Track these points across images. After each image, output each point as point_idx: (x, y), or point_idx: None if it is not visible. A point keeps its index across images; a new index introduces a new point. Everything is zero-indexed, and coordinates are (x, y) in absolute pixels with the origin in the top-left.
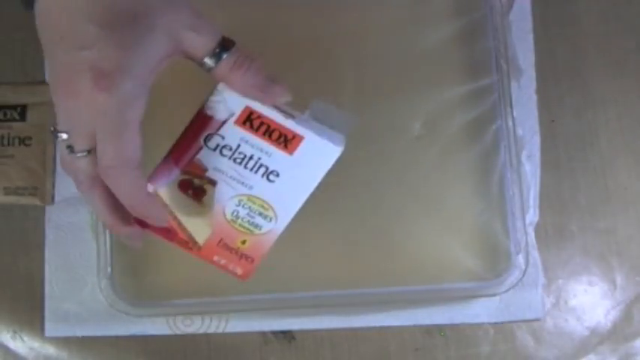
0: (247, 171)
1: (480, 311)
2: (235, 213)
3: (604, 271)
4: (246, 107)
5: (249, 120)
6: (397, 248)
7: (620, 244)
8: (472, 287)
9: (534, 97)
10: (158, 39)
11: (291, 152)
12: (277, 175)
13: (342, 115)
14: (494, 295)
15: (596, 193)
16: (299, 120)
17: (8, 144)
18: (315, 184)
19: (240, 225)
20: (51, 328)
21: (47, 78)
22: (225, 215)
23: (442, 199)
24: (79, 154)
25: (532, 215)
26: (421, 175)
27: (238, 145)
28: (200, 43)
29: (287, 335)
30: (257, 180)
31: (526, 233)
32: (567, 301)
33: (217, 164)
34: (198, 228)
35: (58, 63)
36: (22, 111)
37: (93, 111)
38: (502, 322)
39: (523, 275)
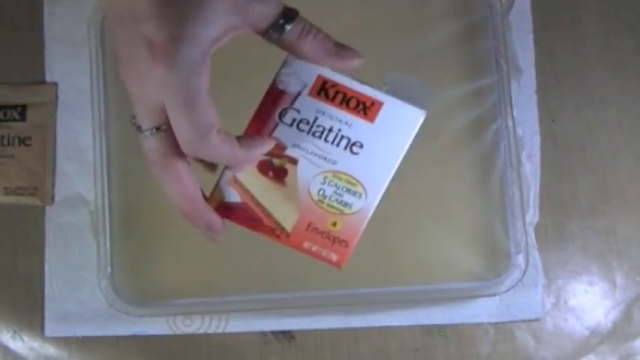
0: (328, 145)
1: (480, 311)
2: (322, 192)
3: (604, 271)
4: (319, 76)
5: (324, 90)
6: (397, 248)
7: (620, 244)
8: (472, 287)
9: (534, 97)
10: (222, 10)
11: (372, 120)
12: (361, 146)
13: (420, 85)
14: (494, 295)
15: (596, 193)
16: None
17: (8, 144)
18: (402, 153)
19: (328, 205)
20: (51, 328)
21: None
22: (311, 195)
23: (442, 198)
24: (146, 133)
25: (532, 215)
26: (421, 174)
27: (316, 118)
28: (266, 13)
29: (287, 335)
30: (340, 153)
31: (526, 233)
32: (567, 301)
33: (296, 140)
34: (283, 213)
35: (119, 42)
36: (22, 111)
37: (155, 86)
38: (502, 322)
39: (523, 275)
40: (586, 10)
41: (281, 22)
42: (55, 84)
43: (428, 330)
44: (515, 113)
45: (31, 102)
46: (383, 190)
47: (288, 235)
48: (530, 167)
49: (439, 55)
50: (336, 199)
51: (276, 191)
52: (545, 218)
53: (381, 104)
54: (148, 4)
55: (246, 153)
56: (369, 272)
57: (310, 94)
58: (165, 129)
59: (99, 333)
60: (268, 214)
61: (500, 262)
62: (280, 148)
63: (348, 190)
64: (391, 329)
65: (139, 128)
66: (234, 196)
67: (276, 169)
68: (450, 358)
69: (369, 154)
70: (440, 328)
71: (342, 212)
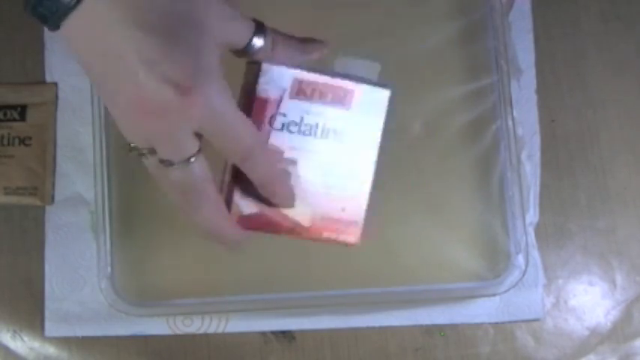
0: (318, 139)
1: (479, 311)
2: (324, 183)
3: (604, 271)
4: (295, 79)
5: (302, 90)
6: (397, 248)
7: (620, 244)
8: (472, 287)
9: (534, 97)
10: (213, 34)
11: (347, 107)
12: (345, 134)
13: (365, 63)
14: (494, 295)
15: (596, 192)
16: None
17: (8, 144)
18: (379, 129)
19: (333, 193)
20: (51, 328)
21: (102, 94)
22: (316, 188)
23: (442, 198)
24: (177, 166)
25: (532, 215)
26: (421, 174)
27: (301, 118)
28: (242, 31)
29: (287, 335)
30: (330, 145)
31: (526, 233)
32: (567, 301)
33: (290, 142)
34: (298, 212)
35: (122, 84)
36: (22, 111)
37: (190, 119)
38: (502, 322)
39: (523, 275)
40: (586, 10)
41: (255, 39)
42: (55, 84)
43: (428, 330)
44: (515, 113)
45: (31, 102)
46: (374, 167)
47: (307, 229)
48: (530, 167)
49: (439, 55)
50: (339, 186)
51: None
52: (545, 218)
53: (352, 91)
54: (156, 43)
55: (285, 179)
56: (369, 272)
57: (291, 96)
58: (197, 157)
59: (99, 333)
60: (284, 216)
61: (500, 262)
62: (279, 152)
63: (346, 175)
64: (391, 329)
65: (165, 162)
66: (250, 208)
67: None
68: (450, 358)
69: (355, 138)
70: (440, 328)
71: (346, 196)
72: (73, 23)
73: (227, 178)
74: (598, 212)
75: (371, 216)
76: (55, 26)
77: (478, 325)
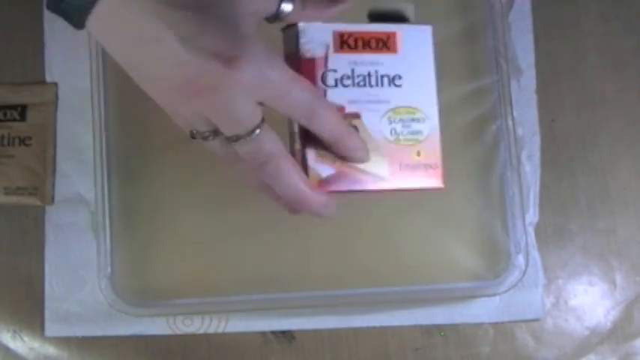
0: (375, 88)
1: (479, 311)
2: (393, 131)
3: (604, 271)
4: (335, 32)
5: (345, 42)
6: (397, 248)
7: (620, 244)
8: (472, 287)
9: (534, 97)
10: (242, 4)
11: (395, 51)
12: (400, 77)
13: (398, 5)
14: (494, 295)
15: (596, 192)
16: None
17: (8, 144)
18: (432, 67)
19: (404, 139)
20: (51, 328)
21: (146, 88)
22: (387, 138)
23: (442, 198)
24: (242, 140)
25: (532, 215)
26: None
27: (352, 70)
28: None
29: (287, 335)
30: (388, 91)
31: (526, 233)
32: (567, 301)
33: (348, 96)
34: (374, 164)
35: (165, 67)
36: (22, 111)
37: (244, 90)
38: (502, 322)
39: (523, 275)
40: (586, 10)
41: (283, 4)
42: (55, 84)
43: (428, 330)
44: (515, 113)
45: (31, 102)
46: (437, 105)
47: (388, 180)
48: (530, 167)
49: (439, 55)
50: (408, 132)
51: None
52: (545, 218)
53: (395, 34)
54: (191, 17)
55: (354, 134)
56: (369, 272)
57: (336, 50)
58: (262, 126)
59: (99, 333)
60: (363, 171)
61: (500, 262)
62: (339, 109)
63: (413, 119)
64: (391, 329)
65: (231, 139)
66: (327, 170)
67: None
68: (450, 358)
69: (410, 80)
70: (440, 328)
71: (418, 141)
72: (98, 16)
73: (297, 146)
74: (598, 212)
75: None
76: (80, 24)
77: (478, 325)
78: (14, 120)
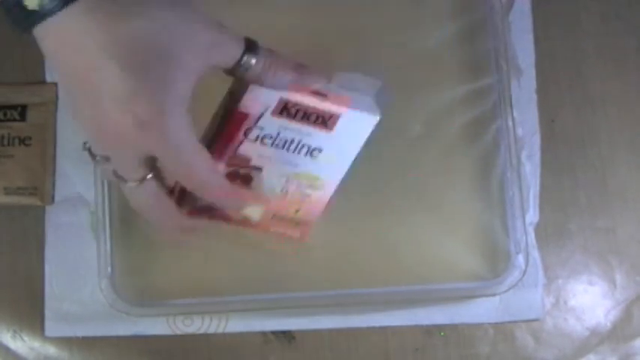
0: (290, 153)
1: (479, 311)
2: (285, 189)
3: (604, 271)
4: (280, 99)
5: (286, 109)
6: (397, 248)
7: (620, 244)
8: (472, 287)
9: (534, 97)
10: (188, 67)
11: (330, 129)
12: (320, 151)
13: (365, 79)
14: (494, 295)
15: (596, 192)
16: (330, 94)
17: (8, 144)
18: (357, 151)
19: (291, 197)
20: (51, 328)
21: (72, 112)
22: (275, 193)
23: (442, 199)
24: (131, 184)
25: (532, 215)
26: (421, 174)
27: (278, 133)
28: (227, 56)
29: (287, 335)
30: (301, 159)
31: (526, 233)
32: (567, 301)
33: (260, 152)
34: (251, 209)
35: (87, 101)
36: (22, 111)
37: (147, 150)
38: (502, 322)
39: (523, 275)
40: (586, 10)
41: (245, 58)
42: (55, 84)
43: (428, 330)
44: (515, 113)
45: (31, 102)
46: (339, 180)
47: (256, 224)
48: (530, 167)
49: (439, 55)
50: (298, 193)
51: None
52: (545, 218)
53: (338, 116)
54: (123, 76)
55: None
56: (369, 272)
57: (273, 114)
58: (151, 178)
59: (99, 333)
60: (236, 212)
61: (500, 262)
62: (246, 160)
63: (309, 186)
64: (391, 329)
65: (119, 177)
66: (201, 201)
67: (242, 177)
68: (449, 358)
69: (328, 155)
70: (440, 328)
71: (303, 201)
72: (44, 30)
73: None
74: (598, 212)
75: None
76: (28, 30)
77: (478, 325)
78: (14, 120)
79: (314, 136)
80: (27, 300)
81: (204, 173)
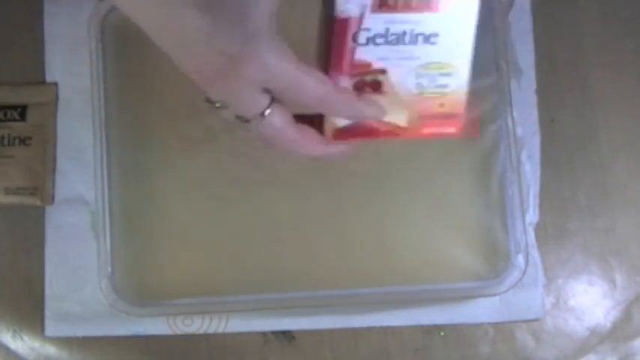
0: (407, 46)
1: (479, 311)
2: (419, 85)
3: (604, 271)
4: None
5: (384, 2)
6: (397, 248)
7: (620, 244)
8: (472, 287)
9: (534, 97)
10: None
11: (437, 9)
12: (436, 35)
13: None
14: (494, 295)
15: (596, 192)
16: None
17: (8, 144)
18: (473, 26)
19: (429, 92)
20: (51, 328)
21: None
22: (411, 91)
23: (442, 198)
24: (265, 114)
25: (532, 215)
26: (421, 174)
27: (387, 29)
28: None
29: (287, 335)
30: (422, 49)
31: (526, 233)
32: (567, 301)
33: (377, 54)
34: (394, 114)
35: (184, 52)
36: (22, 111)
37: (252, 82)
38: (502, 322)
39: (523, 275)
40: (586, 10)
41: None
42: (55, 84)
43: (428, 330)
44: (515, 113)
45: (31, 102)
46: (469, 62)
47: (405, 129)
48: (530, 167)
49: None
50: (435, 85)
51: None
52: (545, 218)
53: None
54: (202, 24)
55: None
56: (369, 272)
57: (373, 10)
58: (272, 109)
59: (99, 333)
60: (380, 122)
61: (500, 262)
62: (366, 65)
63: (441, 74)
64: (391, 329)
65: (240, 118)
66: (343, 120)
67: (370, 84)
68: (449, 358)
69: (446, 37)
70: (440, 328)
71: (443, 94)
72: None
73: None
74: (598, 212)
75: (472, 112)
76: None
77: (478, 325)
78: (14, 120)
79: (424, 21)
80: (27, 300)
81: (323, 90)
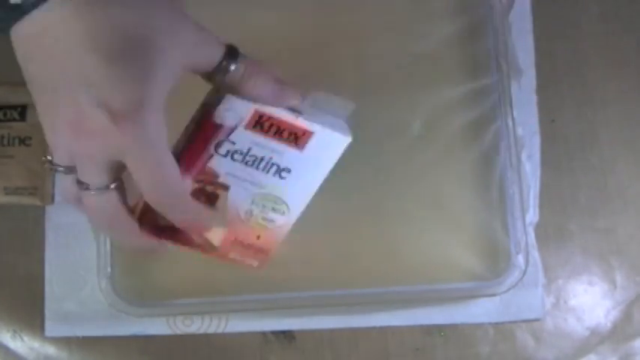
0: (259, 172)
1: (479, 311)
2: (249, 212)
3: (604, 271)
4: (255, 111)
5: (259, 123)
6: (397, 248)
7: (620, 244)
8: (472, 287)
9: (534, 97)
10: (168, 63)
11: (301, 148)
12: (289, 171)
13: (339, 100)
14: (494, 295)
15: (596, 192)
16: (304, 111)
17: (8, 144)
18: (325, 175)
19: (254, 222)
20: (51, 328)
21: (39, 111)
22: (239, 215)
23: (442, 199)
24: (93, 191)
25: (532, 215)
26: (421, 175)
27: (249, 149)
28: (207, 58)
29: (287, 335)
30: (269, 179)
31: (526, 233)
32: (567, 301)
33: (229, 169)
34: (213, 231)
35: (59, 99)
36: (22, 111)
37: (115, 148)
38: (502, 322)
39: (523, 275)
40: (586, 10)
41: (224, 63)
42: None
43: (428, 330)
44: (515, 113)
45: (31, 102)
46: (304, 206)
47: (215, 249)
48: (530, 167)
49: (439, 55)
50: (262, 217)
51: None
52: (545, 218)
53: (311, 133)
54: (101, 66)
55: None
56: (369, 272)
57: (246, 127)
58: (117, 186)
59: (99, 333)
60: (197, 234)
61: (500, 262)
62: (214, 176)
63: (274, 209)
64: (391, 329)
65: (82, 185)
66: (163, 220)
67: (208, 195)
68: (449, 358)
69: (296, 177)
70: (440, 328)
71: (265, 227)
72: (22, 27)
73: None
74: (598, 212)
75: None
76: (4, 30)
77: (478, 325)
78: (14, 120)
79: (285, 154)
80: (27, 300)
81: (172, 180)
